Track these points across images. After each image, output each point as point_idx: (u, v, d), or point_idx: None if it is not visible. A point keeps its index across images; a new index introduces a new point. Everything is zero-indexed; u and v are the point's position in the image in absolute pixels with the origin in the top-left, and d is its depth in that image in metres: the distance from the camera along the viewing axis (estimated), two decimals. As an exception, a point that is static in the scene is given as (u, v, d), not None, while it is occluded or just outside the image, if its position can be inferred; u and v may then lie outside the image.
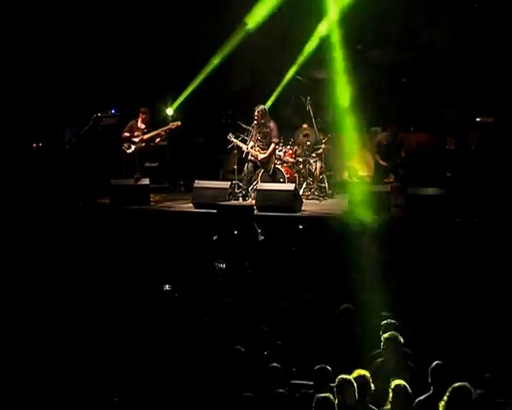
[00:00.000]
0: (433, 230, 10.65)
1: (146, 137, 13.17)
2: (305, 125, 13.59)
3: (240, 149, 12.66)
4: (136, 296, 9.41)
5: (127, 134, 13.19)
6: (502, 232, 10.34)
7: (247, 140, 12.64)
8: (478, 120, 13.17)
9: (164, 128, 13.21)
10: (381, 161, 12.84)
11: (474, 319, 8.12)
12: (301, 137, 13.44)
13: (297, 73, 14.23)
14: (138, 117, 13.26)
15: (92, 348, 8.01)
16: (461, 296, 8.77)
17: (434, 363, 6.28)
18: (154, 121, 13.45)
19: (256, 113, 12.43)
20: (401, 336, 6.90)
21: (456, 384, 5.63)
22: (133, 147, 13.12)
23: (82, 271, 10.40)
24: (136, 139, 13.11)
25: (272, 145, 12.52)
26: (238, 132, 12.85)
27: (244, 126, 12.89)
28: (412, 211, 11.34)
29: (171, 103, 14.02)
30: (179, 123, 13.19)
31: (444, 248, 10.19)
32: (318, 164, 13.30)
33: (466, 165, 12.63)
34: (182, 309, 8.95)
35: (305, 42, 13.95)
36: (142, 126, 13.23)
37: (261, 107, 12.50)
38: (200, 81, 13.96)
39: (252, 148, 12.53)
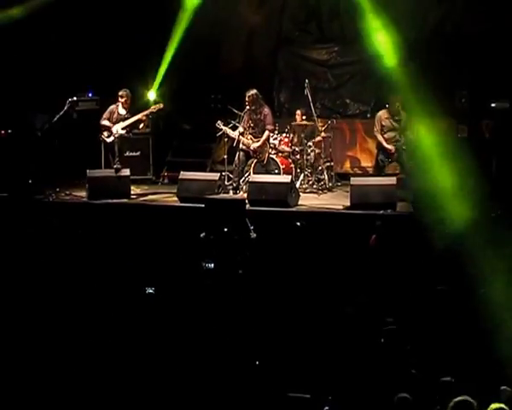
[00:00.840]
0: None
1: (126, 124, 12.51)
2: (298, 112, 13.19)
3: (230, 137, 12.40)
4: (116, 299, 9.07)
5: (106, 121, 12.54)
6: None
7: (238, 127, 12.32)
8: (493, 105, 12.78)
9: (145, 112, 12.60)
10: (384, 144, 12.21)
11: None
12: (298, 123, 13.07)
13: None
14: (118, 101, 12.64)
15: (74, 349, 7.85)
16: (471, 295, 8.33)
17: None
18: (136, 106, 12.94)
19: (247, 97, 12.07)
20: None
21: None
22: (113, 135, 12.50)
23: (57, 271, 9.89)
24: (117, 126, 12.45)
25: (266, 133, 12.20)
26: (229, 119, 12.57)
27: (236, 112, 12.60)
28: (421, 206, 10.75)
29: (153, 85, 13.79)
30: (161, 105, 12.73)
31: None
32: (317, 154, 12.94)
33: (479, 155, 12.07)
34: (165, 313, 8.68)
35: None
36: (123, 112, 12.58)
37: (253, 91, 12.11)
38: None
39: (243, 135, 12.17)
